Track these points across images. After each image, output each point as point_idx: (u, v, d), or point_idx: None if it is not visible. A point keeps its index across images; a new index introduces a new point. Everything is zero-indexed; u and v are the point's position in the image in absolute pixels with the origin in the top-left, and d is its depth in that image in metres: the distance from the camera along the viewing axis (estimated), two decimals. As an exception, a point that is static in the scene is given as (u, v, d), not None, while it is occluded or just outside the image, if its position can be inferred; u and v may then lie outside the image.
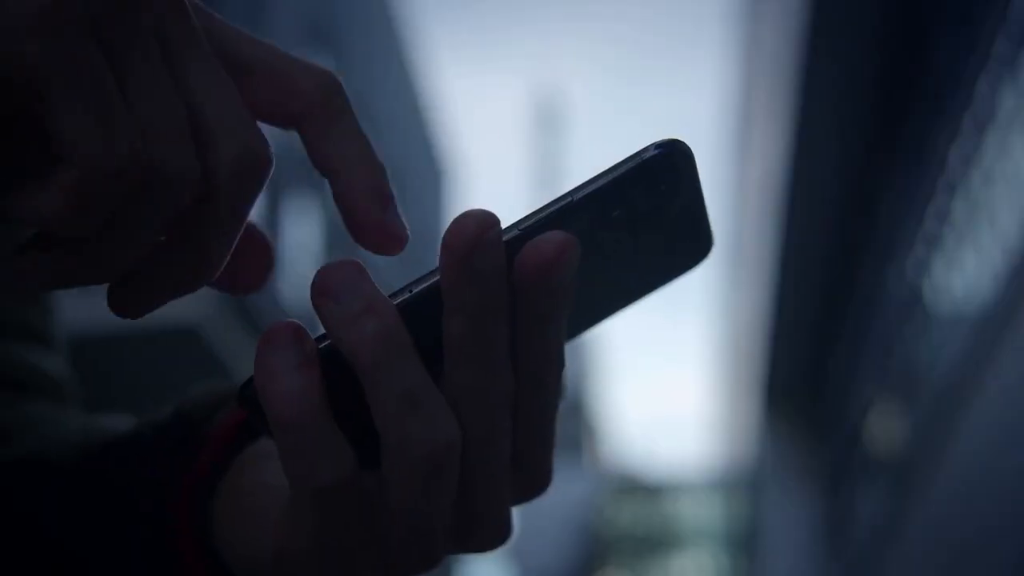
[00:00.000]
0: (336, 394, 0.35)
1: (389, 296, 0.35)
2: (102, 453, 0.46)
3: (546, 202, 0.35)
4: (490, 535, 0.38)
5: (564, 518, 26.18)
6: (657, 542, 33.21)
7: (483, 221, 0.33)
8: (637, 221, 0.36)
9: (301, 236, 8.87)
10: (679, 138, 0.35)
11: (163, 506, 0.43)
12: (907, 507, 9.03)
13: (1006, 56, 6.54)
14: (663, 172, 0.35)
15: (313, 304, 0.34)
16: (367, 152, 0.36)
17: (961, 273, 7.69)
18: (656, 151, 0.35)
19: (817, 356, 13.41)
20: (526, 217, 0.35)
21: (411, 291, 0.35)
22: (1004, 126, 6.67)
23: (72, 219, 0.31)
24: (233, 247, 0.35)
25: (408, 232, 0.36)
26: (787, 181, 10.48)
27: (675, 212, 0.36)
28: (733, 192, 18.57)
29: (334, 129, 0.36)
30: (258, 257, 0.39)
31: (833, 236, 11.01)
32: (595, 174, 0.35)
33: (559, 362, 0.37)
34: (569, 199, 0.35)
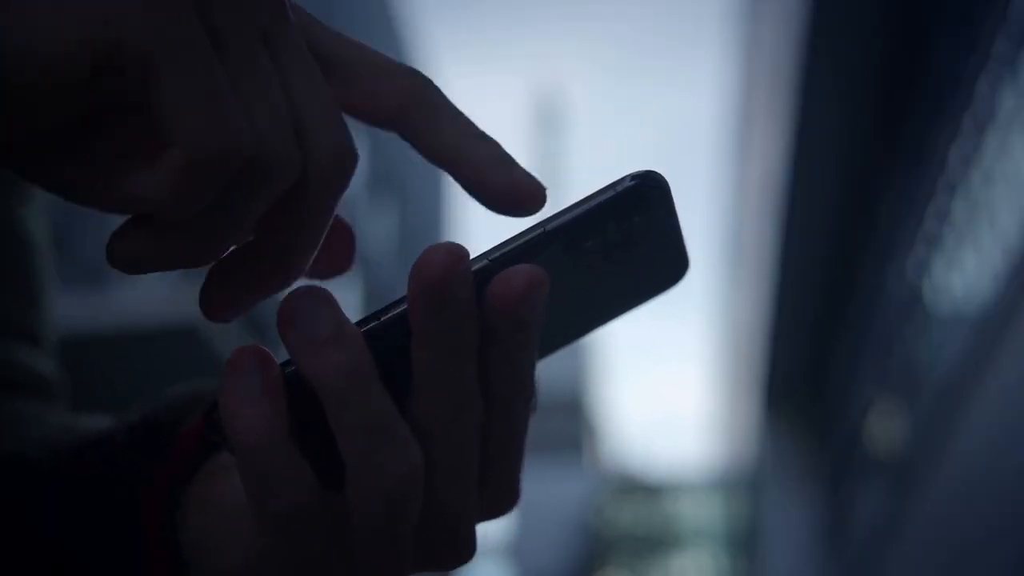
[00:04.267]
0: (301, 417, 0.35)
1: (357, 323, 0.35)
2: (78, 453, 0.46)
3: (518, 232, 0.35)
4: (455, 554, 0.38)
5: (564, 518, 26.17)
6: (657, 542, 33.22)
7: (452, 253, 0.33)
8: (610, 251, 0.36)
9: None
10: (654, 169, 0.35)
11: (136, 507, 0.43)
12: (907, 507, 9.03)
13: (1006, 56, 6.54)
14: (637, 204, 0.35)
15: (279, 330, 0.34)
16: (475, 128, 0.37)
17: (961, 273, 7.69)
18: (631, 183, 0.35)
19: (817, 356, 13.40)
20: (497, 247, 0.35)
21: (379, 319, 0.35)
22: (1004, 126, 6.67)
23: (179, 202, 0.31)
24: (322, 240, 0.35)
25: (542, 183, 0.36)
26: (787, 181, 10.48)
27: (650, 241, 0.36)
28: (733, 192, 18.57)
29: (434, 124, 0.36)
30: (341, 241, 0.39)
31: (833, 236, 11.01)
32: (569, 204, 0.35)
33: (529, 387, 0.37)
34: (541, 230, 0.35)
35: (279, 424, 0.34)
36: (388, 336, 0.35)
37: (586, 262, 0.36)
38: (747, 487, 21.80)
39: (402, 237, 13.77)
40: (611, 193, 0.35)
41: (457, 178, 0.36)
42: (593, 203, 0.35)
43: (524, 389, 0.36)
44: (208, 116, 0.30)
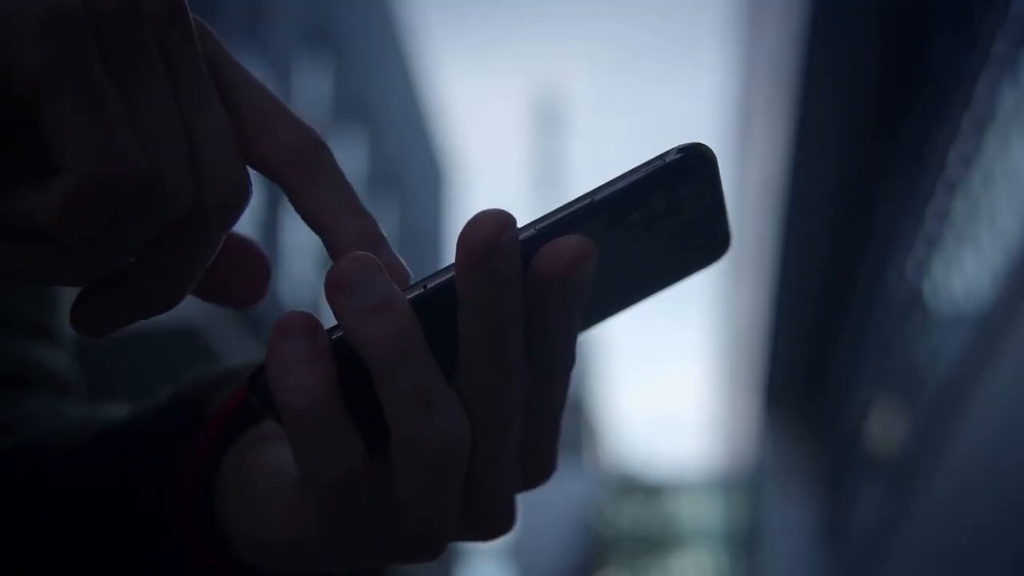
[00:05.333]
0: (347, 383, 0.35)
1: (403, 291, 0.35)
2: (103, 439, 0.46)
3: (565, 202, 0.35)
4: (495, 523, 0.38)
5: (564, 518, 26.15)
6: (657, 542, 33.21)
7: (500, 221, 0.33)
8: (655, 223, 0.36)
9: (300, 237, 8.87)
10: (701, 142, 0.35)
11: (163, 488, 0.43)
12: (907, 507, 9.03)
13: (1006, 56, 6.54)
14: (684, 176, 0.35)
15: (327, 297, 0.34)
16: (353, 201, 0.36)
17: (961, 273, 7.69)
18: (678, 155, 0.34)
19: (817, 356, 13.41)
20: (545, 216, 0.35)
21: (425, 286, 0.35)
22: (1004, 126, 6.67)
23: (65, 225, 0.31)
24: (202, 273, 0.35)
25: (408, 269, 0.36)
26: (787, 181, 10.48)
27: (694, 214, 0.36)
28: (733, 192, 18.58)
29: (318, 183, 0.36)
30: (253, 270, 0.38)
31: (833, 236, 11.01)
32: (616, 175, 0.35)
33: (570, 358, 0.37)
34: (589, 200, 0.34)
35: (329, 390, 0.34)
36: (435, 304, 0.35)
37: (631, 234, 0.36)
38: (747, 487, 21.80)
39: (402, 237, 13.77)
40: (659, 164, 0.34)
41: (326, 247, 0.36)
42: (640, 174, 0.35)
43: (566, 361, 0.37)
44: (97, 142, 0.30)
